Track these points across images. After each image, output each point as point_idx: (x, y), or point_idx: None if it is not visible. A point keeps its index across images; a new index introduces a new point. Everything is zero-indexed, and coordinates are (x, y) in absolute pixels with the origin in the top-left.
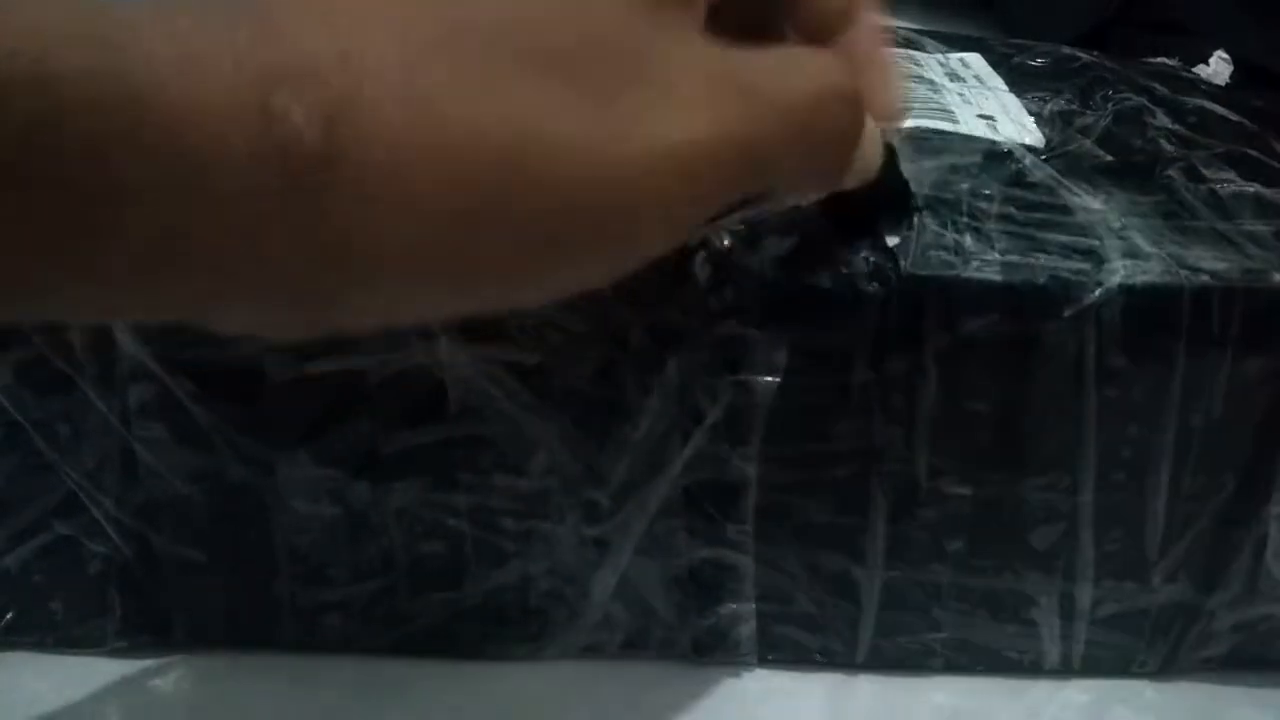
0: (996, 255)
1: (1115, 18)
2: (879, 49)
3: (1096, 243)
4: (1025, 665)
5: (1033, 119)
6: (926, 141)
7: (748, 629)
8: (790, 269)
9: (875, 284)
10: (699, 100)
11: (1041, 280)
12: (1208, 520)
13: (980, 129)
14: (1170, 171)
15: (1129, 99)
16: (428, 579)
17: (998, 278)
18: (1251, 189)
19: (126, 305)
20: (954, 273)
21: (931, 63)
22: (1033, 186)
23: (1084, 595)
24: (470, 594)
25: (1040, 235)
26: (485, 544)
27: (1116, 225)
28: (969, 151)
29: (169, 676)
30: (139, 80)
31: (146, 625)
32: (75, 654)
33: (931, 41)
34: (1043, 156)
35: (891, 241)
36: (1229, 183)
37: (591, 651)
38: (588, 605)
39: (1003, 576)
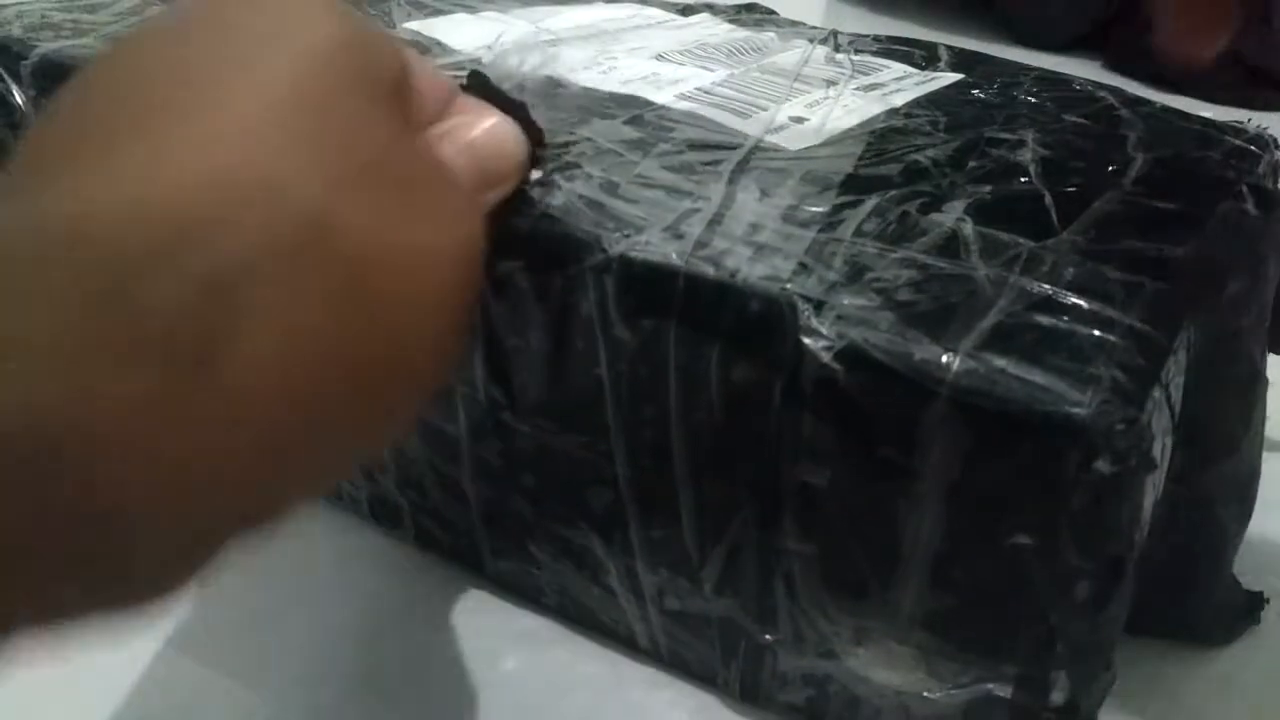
0: (553, 200)
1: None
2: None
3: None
4: (621, 636)
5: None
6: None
7: None
8: None
9: None
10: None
11: (562, 231)
12: (738, 535)
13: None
14: None
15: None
16: None
17: (525, 225)
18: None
19: None
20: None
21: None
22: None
23: (647, 578)
24: None
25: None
26: None
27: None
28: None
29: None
30: None
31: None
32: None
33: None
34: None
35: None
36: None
37: None
38: None
39: (573, 528)
